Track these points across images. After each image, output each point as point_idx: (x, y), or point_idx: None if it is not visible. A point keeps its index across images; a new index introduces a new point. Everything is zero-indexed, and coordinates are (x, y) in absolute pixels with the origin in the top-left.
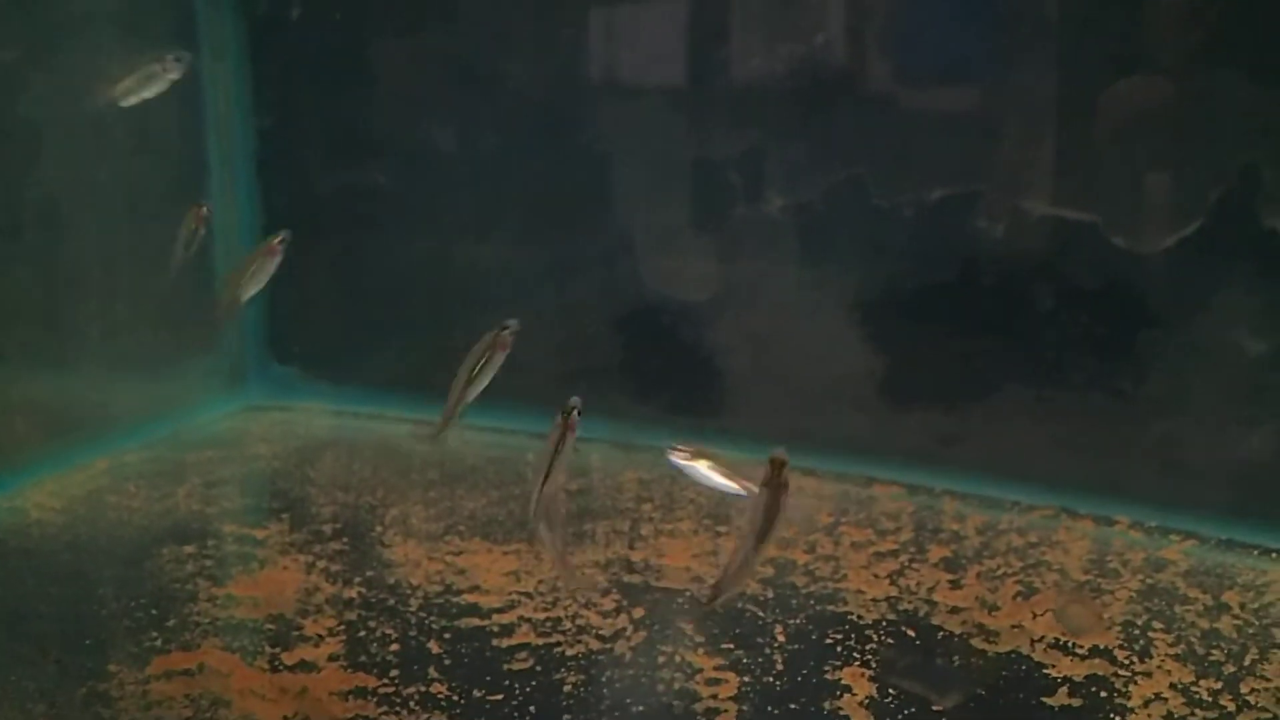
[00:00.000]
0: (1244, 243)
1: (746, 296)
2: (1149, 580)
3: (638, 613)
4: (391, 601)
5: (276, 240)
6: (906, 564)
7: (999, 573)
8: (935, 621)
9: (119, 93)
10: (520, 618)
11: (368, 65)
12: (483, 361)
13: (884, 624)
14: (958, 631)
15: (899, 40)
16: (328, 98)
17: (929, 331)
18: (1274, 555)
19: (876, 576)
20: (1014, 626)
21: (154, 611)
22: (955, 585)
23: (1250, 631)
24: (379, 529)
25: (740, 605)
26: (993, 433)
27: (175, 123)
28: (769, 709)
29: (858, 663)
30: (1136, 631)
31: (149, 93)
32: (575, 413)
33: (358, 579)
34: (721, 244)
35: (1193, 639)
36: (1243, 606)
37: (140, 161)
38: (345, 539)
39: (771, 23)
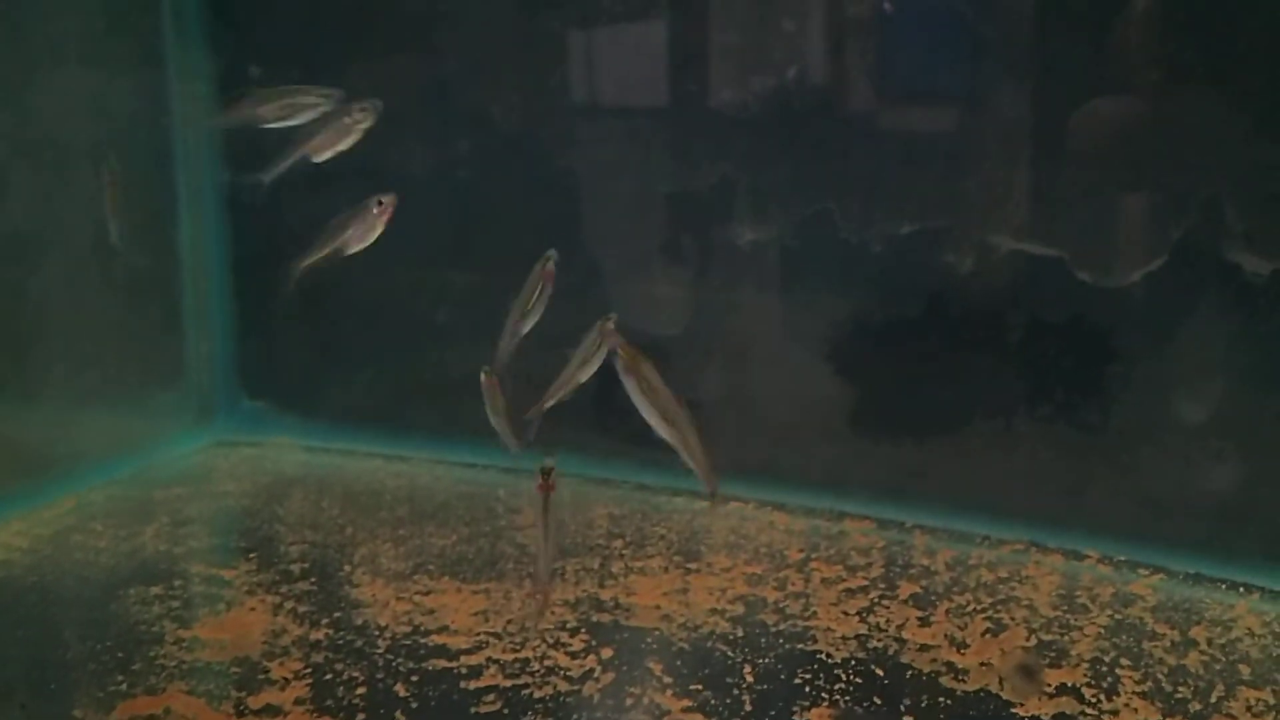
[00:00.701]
0: (1207, 277)
1: (716, 329)
2: (1117, 616)
3: (606, 653)
4: (359, 643)
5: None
6: (876, 600)
7: (968, 609)
8: (904, 660)
9: (313, 149)
10: (488, 659)
11: (339, 86)
12: (536, 294)
13: (853, 663)
14: (926, 670)
15: (869, 76)
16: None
17: (899, 365)
18: (1241, 589)
19: (846, 614)
20: (982, 664)
21: (120, 655)
22: (924, 622)
23: (1217, 668)
24: (347, 568)
25: (710, 644)
26: (963, 466)
27: (143, 154)
28: None
29: (826, 703)
30: (1104, 668)
31: (344, 145)
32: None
33: (325, 620)
34: (691, 276)
35: (1160, 676)
36: (1210, 642)
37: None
38: (313, 579)
39: (743, 56)
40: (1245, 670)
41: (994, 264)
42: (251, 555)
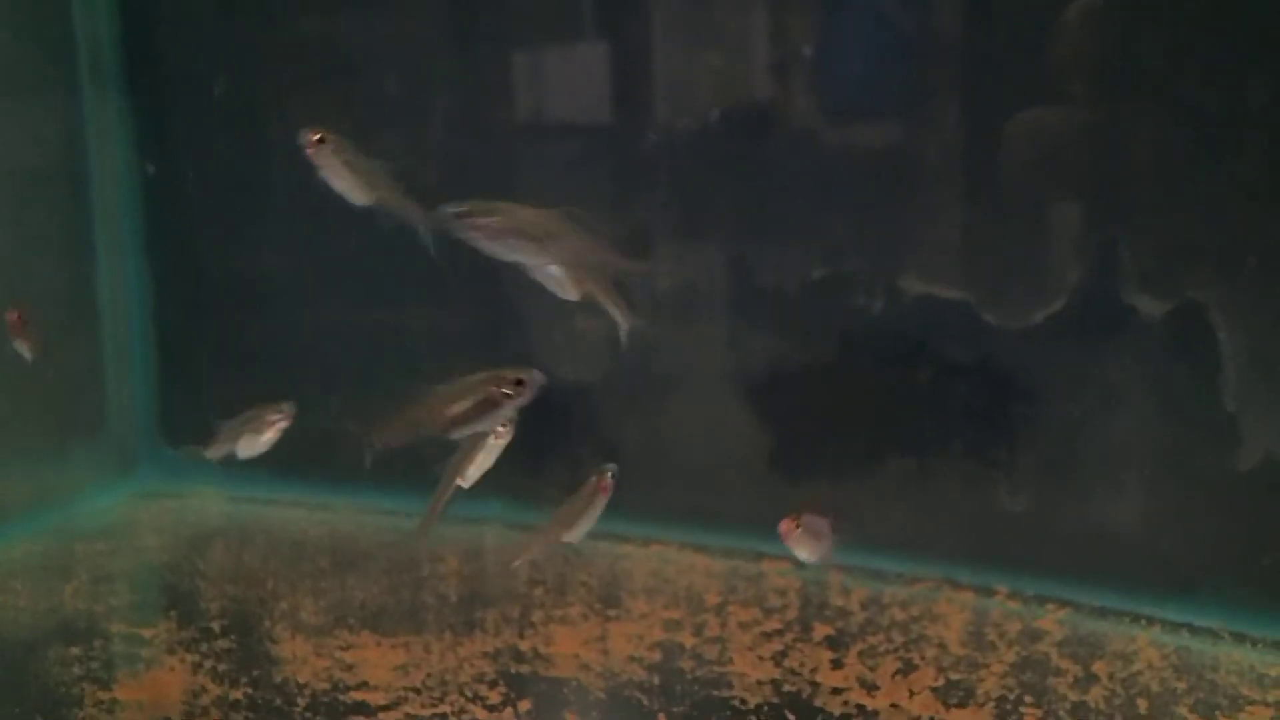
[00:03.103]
0: (1105, 319)
1: (635, 374)
2: (1024, 652)
3: (524, 705)
4: (278, 702)
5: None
6: (791, 643)
7: (880, 649)
8: (817, 703)
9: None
10: (407, 715)
11: (261, 131)
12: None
13: (767, 708)
14: (838, 713)
15: (786, 124)
16: (217, 169)
17: (814, 406)
18: (1142, 622)
19: (761, 658)
20: (892, 705)
21: (38, 718)
22: (837, 664)
23: (1117, 703)
24: (268, 623)
25: (627, 693)
26: (877, 504)
27: (59, 208)
28: None
29: None
30: (1009, 707)
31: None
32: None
33: (245, 679)
34: (610, 321)
35: (1062, 713)
36: (1111, 677)
37: (24, 252)
38: (233, 635)
39: (666, 99)
40: (1143, 704)
41: (903, 306)
42: (172, 612)
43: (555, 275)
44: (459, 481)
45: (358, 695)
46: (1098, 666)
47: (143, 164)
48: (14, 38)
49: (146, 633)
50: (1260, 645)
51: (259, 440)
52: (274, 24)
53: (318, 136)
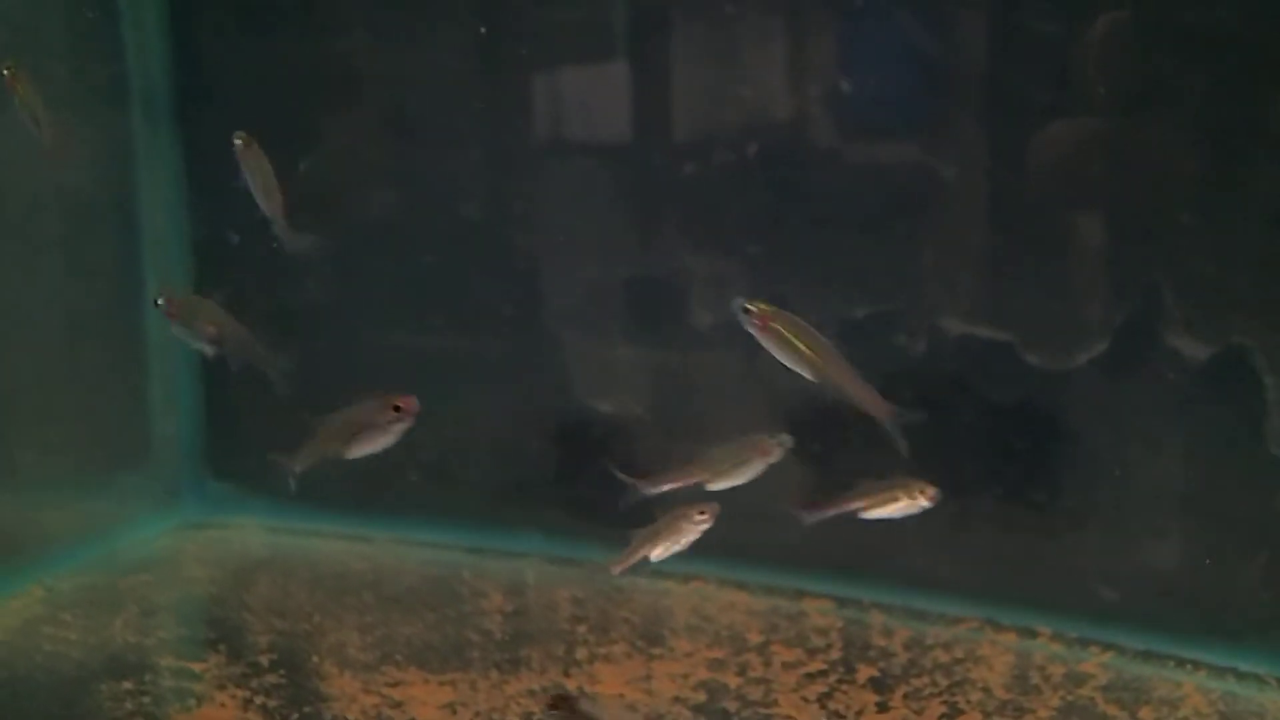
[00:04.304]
0: (1149, 361)
1: (678, 410)
2: (1069, 697)
3: None
4: None
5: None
6: (835, 684)
7: (925, 693)
8: None
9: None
10: None
11: (307, 163)
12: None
13: None
14: None
15: (824, 164)
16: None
17: (854, 445)
18: (1189, 666)
19: (806, 700)
20: None
21: None
22: (883, 708)
23: None
24: (315, 659)
25: None
26: (919, 545)
27: (110, 240)
28: None
29: None
30: None
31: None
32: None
33: (294, 715)
34: (653, 359)
35: None
36: None
37: (74, 281)
38: (282, 671)
39: (703, 134)
40: None
41: (945, 347)
42: (220, 646)
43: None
44: (648, 553)
45: None
46: (1144, 712)
47: (227, 233)
48: (72, 74)
49: (196, 667)
50: None
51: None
52: (320, 57)
53: (240, 140)
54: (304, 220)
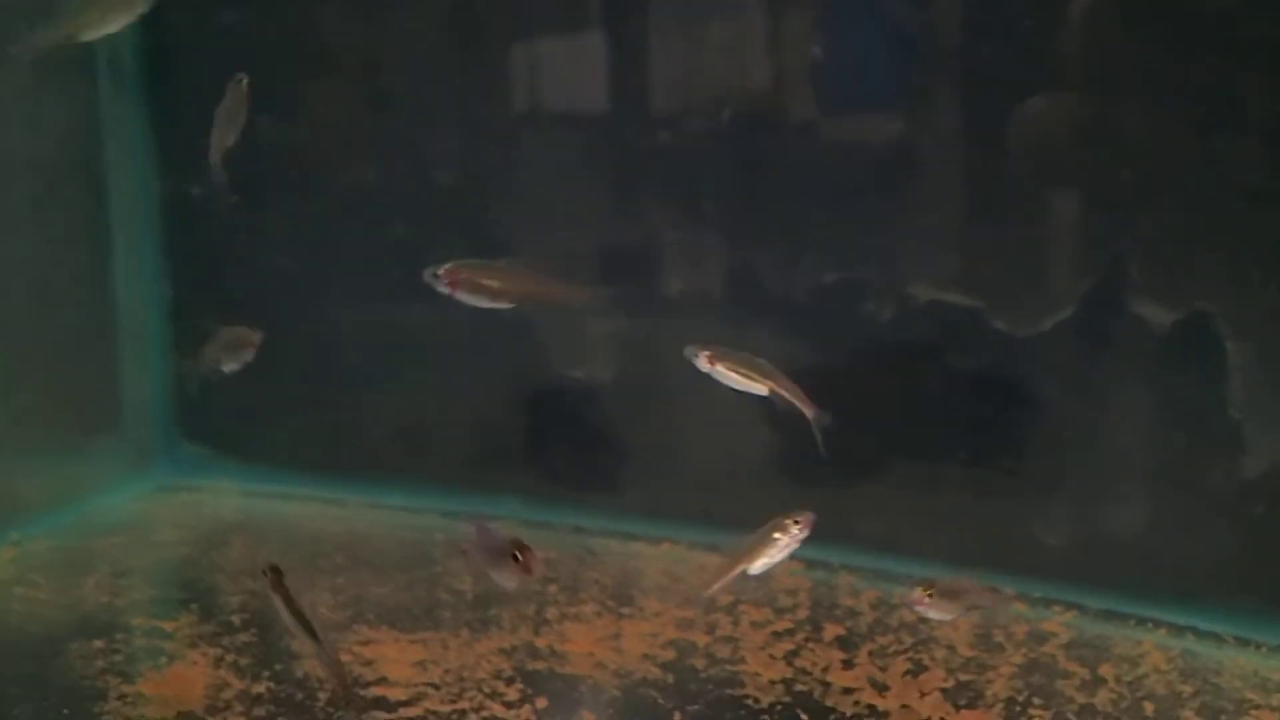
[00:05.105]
0: (1113, 328)
1: (649, 377)
2: (1031, 654)
3: (541, 703)
4: (300, 696)
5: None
6: (803, 643)
7: (890, 650)
8: (829, 703)
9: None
10: (427, 710)
11: (278, 131)
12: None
13: (779, 708)
14: (849, 713)
15: (797, 129)
16: (234, 167)
17: (825, 411)
18: (1149, 625)
19: (773, 657)
20: (903, 706)
21: (65, 711)
22: (848, 665)
23: (1124, 705)
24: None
25: (641, 691)
26: (887, 508)
27: (78, 207)
28: None
29: None
30: (1018, 709)
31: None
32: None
33: (266, 673)
34: (625, 327)
35: (1070, 715)
36: (1118, 679)
37: (44, 248)
38: (253, 630)
39: (676, 104)
40: (1150, 708)
41: (914, 313)
42: (192, 606)
43: (742, 380)
44: (746, 567)
45: (377, 690)
46: (1104, 669)
47: (187, 188)
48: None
49: (168, 626)
50: (1264, 650)
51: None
52: (291, 24)
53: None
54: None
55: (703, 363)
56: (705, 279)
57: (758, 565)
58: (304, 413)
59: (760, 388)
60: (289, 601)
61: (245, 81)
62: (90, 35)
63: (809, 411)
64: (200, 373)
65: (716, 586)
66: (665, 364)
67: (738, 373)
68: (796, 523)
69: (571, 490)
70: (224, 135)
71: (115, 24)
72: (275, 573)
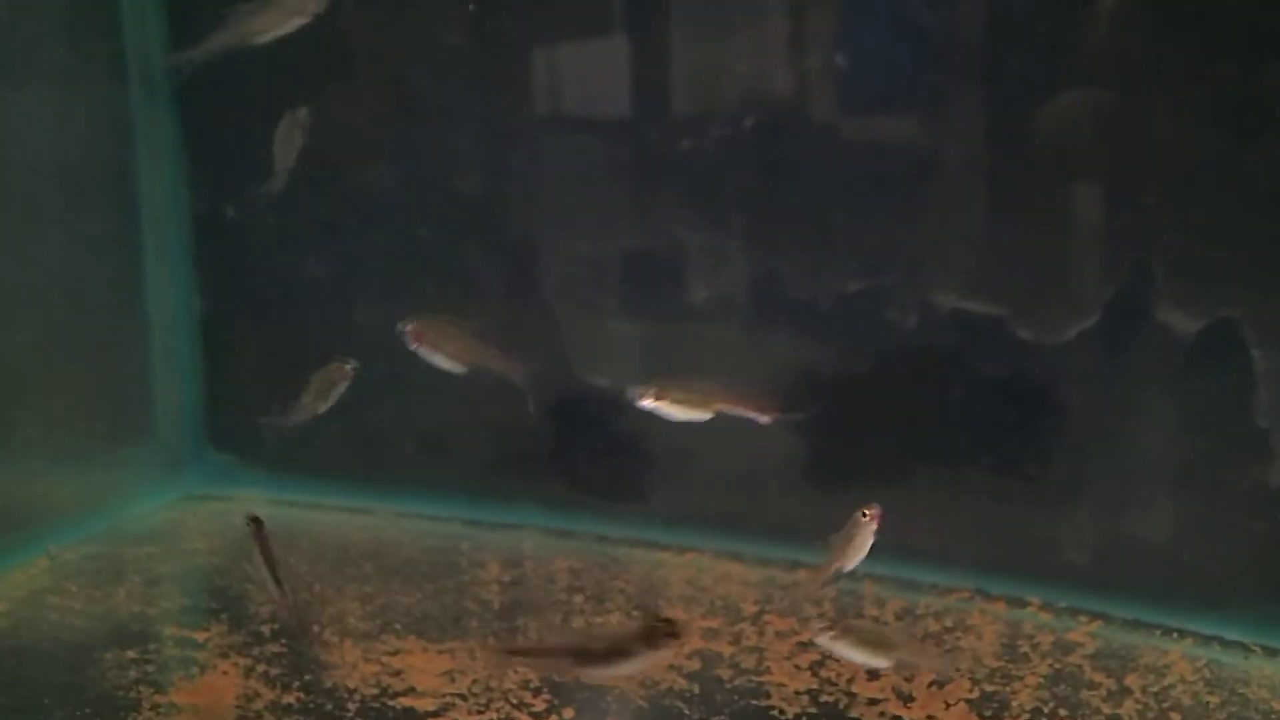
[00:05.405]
0: (1138, 335)
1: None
2: (1057, 665)
3: (568, 713)
4: (329, 707)
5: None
6: (828, 654)
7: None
8: (854, 714)
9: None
10: None
11: (307, 141)
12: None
13: (805, 718)
14: None
15: (820, 134)
16: (263, 176)
17: (849, 418)
18: (1175, 635)
19: (799, 668)
20: (928, 718)
21: None
22: (873, 675)
23: (1150, 716)
24: (316, 628)
25: (667, 702)
26: (911, 516)
27: (110, 216)
28: None
29: None
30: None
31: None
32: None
33: (296, 684)
34: (648, 333)
35: None
36: (1144, 690)
37: (76, 255)
38: (283, 640)
39: (698, 108)
40: (1176, 718)
41: (938, 321)
42: (222, 616)
43: (681, 412)
44: (841, 564)
45: (406, 701)
46: (1130, 680)
47: (224, 207)
48: (68, 49)
49: (199, 636)
50: None
51: None
52: (318, 36)
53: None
54: (308, 197)
55: (655, 407)
56: (729, 285)
57: (850, 561)
58: (332, 422)
59: (710, 410)
60: (264, 550)
61: (305, 113)
62: (264, 39)
63: (764, 419)
64: (297, 422)
65: (816, 586)
66: (689, 370)
67: (686, 403)
68: (865, 514)
69: (595, 499)
70: (284, 157)
71: (290, 26)
72: (256, 523)
